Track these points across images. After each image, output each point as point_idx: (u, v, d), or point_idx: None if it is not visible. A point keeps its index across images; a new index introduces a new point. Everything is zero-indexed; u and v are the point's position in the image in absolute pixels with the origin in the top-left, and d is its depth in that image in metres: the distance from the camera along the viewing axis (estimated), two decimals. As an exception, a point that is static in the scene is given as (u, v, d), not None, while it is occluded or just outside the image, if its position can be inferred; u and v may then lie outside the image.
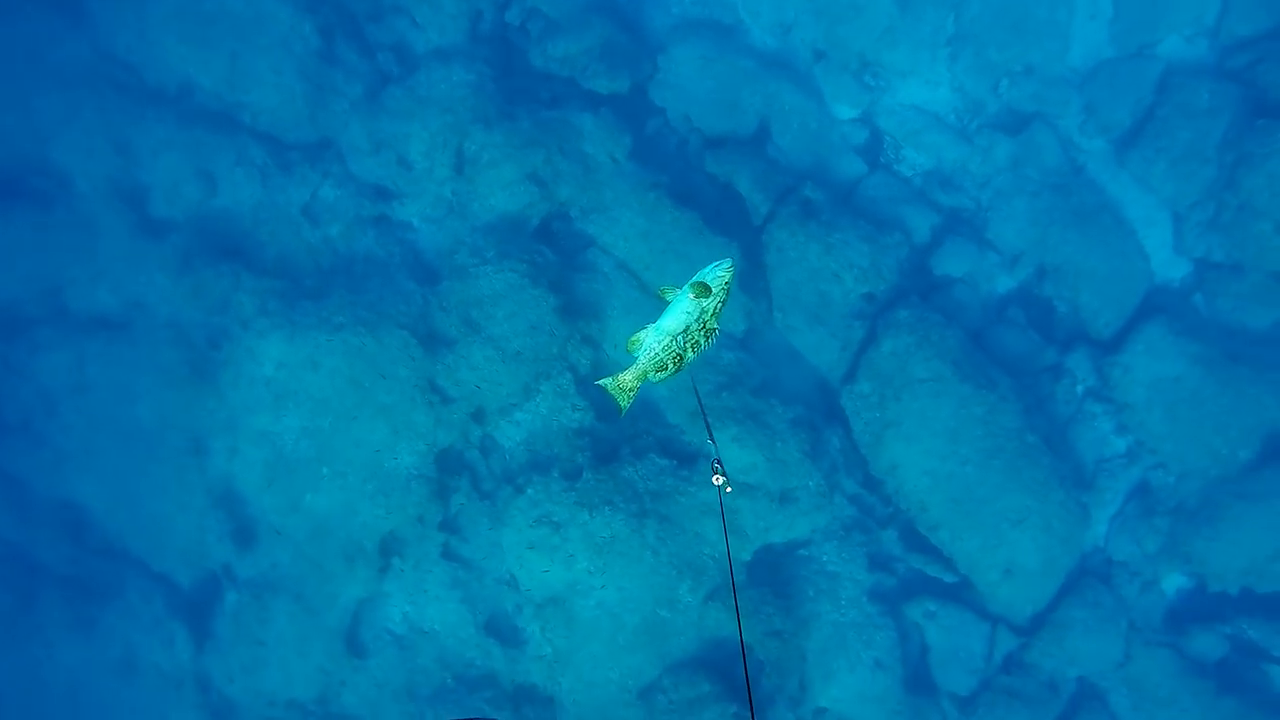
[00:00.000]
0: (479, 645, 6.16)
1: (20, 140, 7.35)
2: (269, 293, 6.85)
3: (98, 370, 7.11)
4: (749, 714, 5.54)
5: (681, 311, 3.67)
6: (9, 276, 7.43)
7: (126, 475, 6.93)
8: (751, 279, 6.59)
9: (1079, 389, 6.39)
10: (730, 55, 7.30)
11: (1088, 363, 6.37)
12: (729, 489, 3.45)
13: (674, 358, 3.69)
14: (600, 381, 3.87)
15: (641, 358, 3.73)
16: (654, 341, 3.73)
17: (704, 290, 3.58)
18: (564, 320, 6.33)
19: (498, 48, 7.41)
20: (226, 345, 6.77)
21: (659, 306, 6.85)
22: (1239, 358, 6.12)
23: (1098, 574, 6.30)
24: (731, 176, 6.83)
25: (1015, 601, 6.08)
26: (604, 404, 6.42)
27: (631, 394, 3.80)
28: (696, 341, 3.71)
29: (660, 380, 3.80)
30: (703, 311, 3.67)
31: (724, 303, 3.74)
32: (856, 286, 6.48)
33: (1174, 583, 6.43)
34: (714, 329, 3.73)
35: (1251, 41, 6.84)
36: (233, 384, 6.65)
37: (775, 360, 6.60)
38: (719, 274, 3.64)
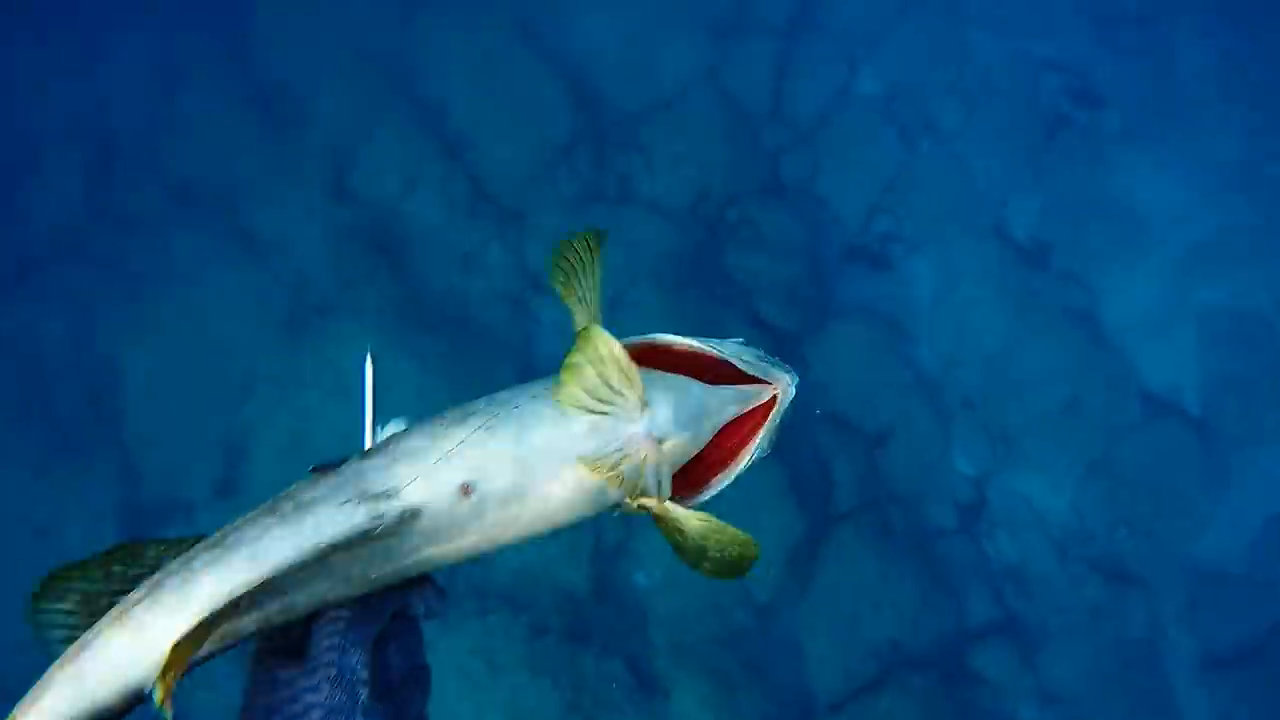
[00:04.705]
0: None
1: None
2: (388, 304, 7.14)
3: None
4: None
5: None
6: None
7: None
8: (803, 561, 6.44)
9: None
10: (891, 358, 7.51)
11: None
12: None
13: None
14: None
15: None
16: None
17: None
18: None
19: (704, 231, 7.90)
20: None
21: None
22: None
23: None
24: (832, 460, 6.85)
25: None
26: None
27: None
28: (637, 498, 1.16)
29: None
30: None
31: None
32: (889, 629, 6.22)
33: None
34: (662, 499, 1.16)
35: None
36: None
37: (776, 646, 6.31)
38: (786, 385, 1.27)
